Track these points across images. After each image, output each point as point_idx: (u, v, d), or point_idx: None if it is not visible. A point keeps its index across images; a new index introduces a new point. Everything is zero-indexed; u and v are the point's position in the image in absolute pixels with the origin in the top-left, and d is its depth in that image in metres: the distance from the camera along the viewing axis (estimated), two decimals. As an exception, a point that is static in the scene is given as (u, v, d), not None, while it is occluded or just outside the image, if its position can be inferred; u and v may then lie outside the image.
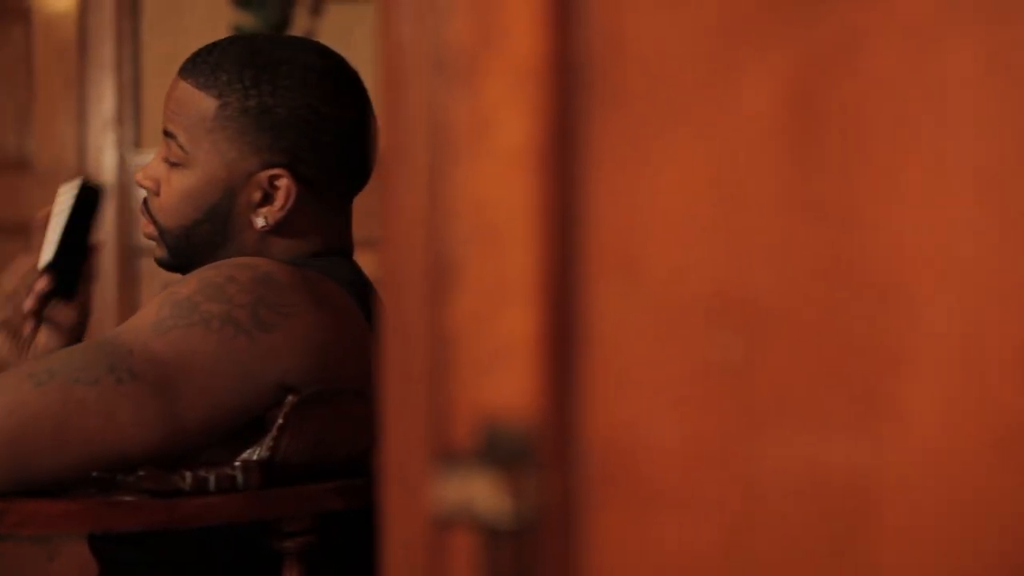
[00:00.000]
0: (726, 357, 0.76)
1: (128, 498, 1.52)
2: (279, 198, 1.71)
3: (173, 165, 1.73)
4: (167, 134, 1.73)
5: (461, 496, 0.78)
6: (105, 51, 3.83)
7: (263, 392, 1.60)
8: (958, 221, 0.77)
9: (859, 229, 0.77)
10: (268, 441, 1.60)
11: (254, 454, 1.60)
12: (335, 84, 1.73)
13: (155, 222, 1.77)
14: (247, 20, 3.64)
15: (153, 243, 1.80)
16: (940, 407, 0.77)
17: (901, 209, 0.77)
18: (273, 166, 1.70)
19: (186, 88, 1.74)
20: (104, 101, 3.85)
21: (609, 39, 0.77)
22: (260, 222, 1.71)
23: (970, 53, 0.76)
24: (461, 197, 0.80)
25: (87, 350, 1.57)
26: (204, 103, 1.72)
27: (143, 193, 1.79)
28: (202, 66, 1.75)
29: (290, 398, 1.60)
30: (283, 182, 1.70)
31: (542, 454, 0.78)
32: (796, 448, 0.76)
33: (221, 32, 3.51)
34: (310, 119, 1.70)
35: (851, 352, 0.77)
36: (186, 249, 1.75)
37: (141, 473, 1.52)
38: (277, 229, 1.73)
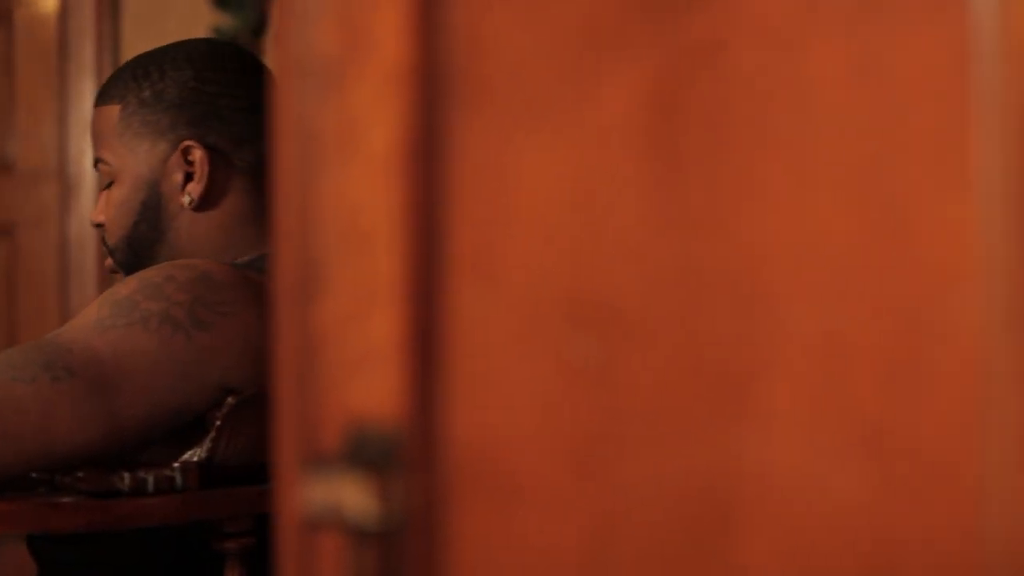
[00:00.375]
0: (586, 359, 0.77)
1: (66, 499, 1.53)
2: (197, 170, 1.77)
3: (108, 187, 1.80)
4: (96, 164, 1.82)
5: (329, 498, 0.79)
6: (86, 53, 3.85)
7: (203, 391, 1.62)
8: (821, 224, 0.77)
9: (721, 232, 0.77)
10: (207, 442, 1.61)
11: (194, 455, 1.61)
12: (223, 59, 1.82)
13: (106, 247, 1.83)
14: (226, 21, 3.65)
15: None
16: (804, 409, 0.77)
17: (764, 211, 0.77)
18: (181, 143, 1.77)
19: (97, 112, 1.84)
20: (85, 103, 3.86)
21: (471, 44, 0.78)
22: (186, 200, 1.78)
23: (834, 56, 0.77)
24: (330, 201, 0.81)
25: (27, 349, 1.59)
26: (111, 113, 1.81)
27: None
28: (105, 86, 1.85)
29: (230, 399, 1.61)
30: (196, 153, 1.77)
31: (408, 456, 0.79)
32: (658, 450, 0.77)
33: (200, 33, 3.52)
34: (202, 89, 1.78)
35: (713, 355, 0.77)
36: (132, 259, 1.80)
37: (79, 474, 1.53)
38: (203, 205, 1.78)
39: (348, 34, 0.80)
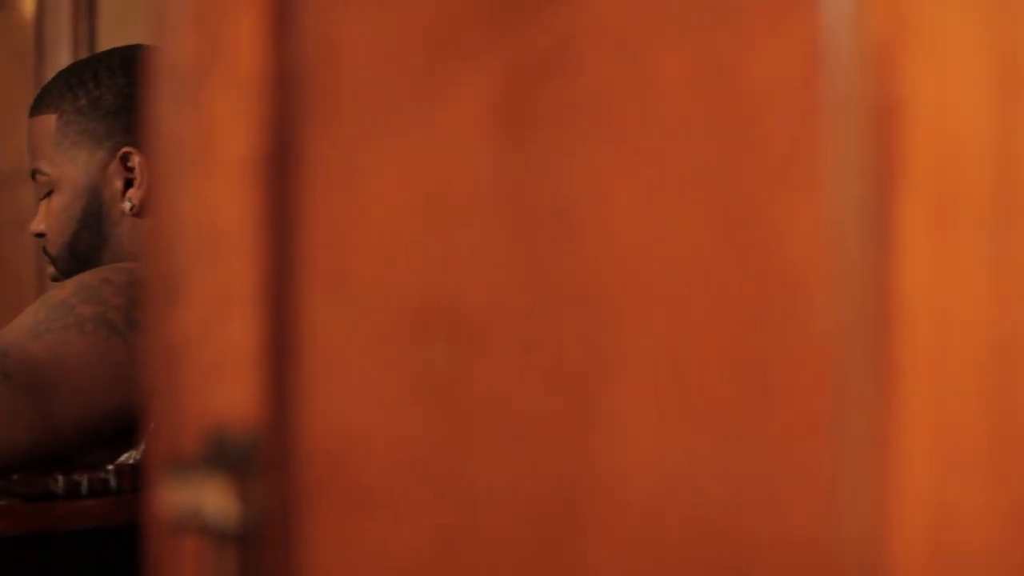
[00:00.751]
0: (435, 366, 0.78)
1: (0, 502, 1.54)
2: (137, 175, 1.78)
3: (46, 196, 1.81)
4: (33, 175, 1.82)
5: (190, 501, 0.80)
6: (62, 56, 3.85)
7: (139, 394, 1.63)
8: (670, 227, 0.78)
9: (569, 238, 0.78)
10: (142, 445, 1.62)
11: (130, 457, 1.63)
12: None
13: (48, 256, 1.84)
14: (201, 23, 3.66)
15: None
16: (653, 412, 0.78)
17: (612, 216, 0.78)
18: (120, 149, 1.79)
19: (32, 122, 1.87)
20: (62, 105, 3.87)
21: (323, 53, 0.79)
22: (127, 206, 1.80)
23: (682, 59, 0.77)
24: (190, 209, 0.82)
25: (-38, 353, 1.60)
26: (47, 123, 1.82)
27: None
28: (39, 96, 1.89)
29: (165, 401, 1.62)
30: (136, 159, 1.79)
31: (265, 460, 0.80)
32: (506, 454, 0.78)
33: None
34: (137, 95, 1.78)
35: (562, 361, 0.78)
36: (75, 266, 1.81)
37: (14, 477, 1.55)
38: (145, 210, 1.80)
39: (205, 43, 0.81)
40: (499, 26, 0.78)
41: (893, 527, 0.75)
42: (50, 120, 1.82)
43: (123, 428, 1.64)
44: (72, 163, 1.80)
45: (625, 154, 0.78)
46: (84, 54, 3.87)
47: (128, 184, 1.80)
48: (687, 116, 0.77)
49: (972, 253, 0.76)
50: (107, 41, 3.87)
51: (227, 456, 0.80)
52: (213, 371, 0.81)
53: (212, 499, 0.79)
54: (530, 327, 0.78)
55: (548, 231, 0.78)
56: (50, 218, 1.82)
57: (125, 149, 1.79)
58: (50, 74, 3.86)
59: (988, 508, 0.76)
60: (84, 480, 1.56)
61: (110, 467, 1.59)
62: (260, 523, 0.80)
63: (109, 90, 1.80)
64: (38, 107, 1.85)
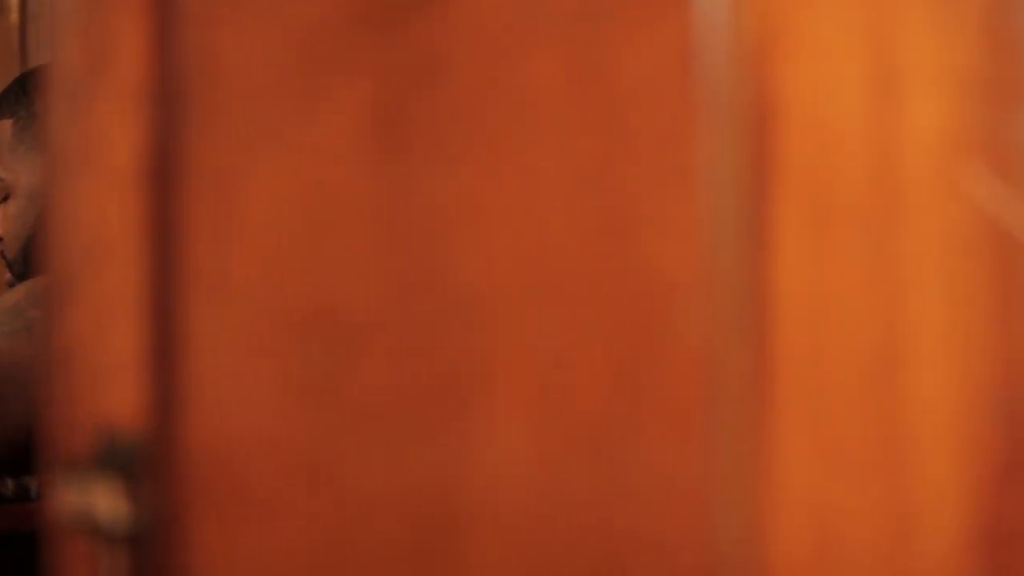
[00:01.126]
0: (314, 369, 0.79)
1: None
2: None
3: (3, 201, 1.83)
4: None
5: (81, 503, 0.81)
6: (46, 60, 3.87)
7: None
8: (543, 231, 0.78)
9: (444, 243, 0.79)
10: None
11: (81, 460, 1.63)
12: None
13: (5, 260, 1.85)
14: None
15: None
16: (527, 415, 0.79)
17: (486, 221, 0.79)
18: None
19: None
20: (47, 109, 3.88)
21: (205, 63, 0.80)
22: None
23: (553, 63, 0.78)
24: (79, 214, 0.83)
25: (-88, 358, 1.61)
26: (3, 129, 1.83)
27: None
28: None
29: (115, 404, 1.63)
30: None
31: (152, 463, 0.81)
32: (385, 459, 0.79)
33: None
34: None
35: (440, 365, 0.79)
36: (29, 271, 1.82)
37: (-36, 481, 1.56)
38: None
39: (91, 52, 0.82)
40: (372, 33, 0.79)
41: (771, 529, 0.76)
42: (6, 126, 1.83)
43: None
44: (30, 168, 1.82)
45: (499, 159, 0.79)
46: (68, 59, 3.88)
47: None
48: (560, 119, 0.78)
49: (848, 253, 0.77)
50: (91, 46, 3.89)
51: (117, 458, 0.81)
52: (103, 373, 0.82)
53: (103, 501, 0.81)
54: (406, 332, 0.79)
55: (423, 237, 0.79)
56: (7, 223, 1.84)
57: None
58: (35, 79, 3.89)
59: (868, 508, 0.76)
60: (33, 483, 1.57)
61: (60, 470, 1.59)
62: (149, 526, 0.81)
63: None
64: None
